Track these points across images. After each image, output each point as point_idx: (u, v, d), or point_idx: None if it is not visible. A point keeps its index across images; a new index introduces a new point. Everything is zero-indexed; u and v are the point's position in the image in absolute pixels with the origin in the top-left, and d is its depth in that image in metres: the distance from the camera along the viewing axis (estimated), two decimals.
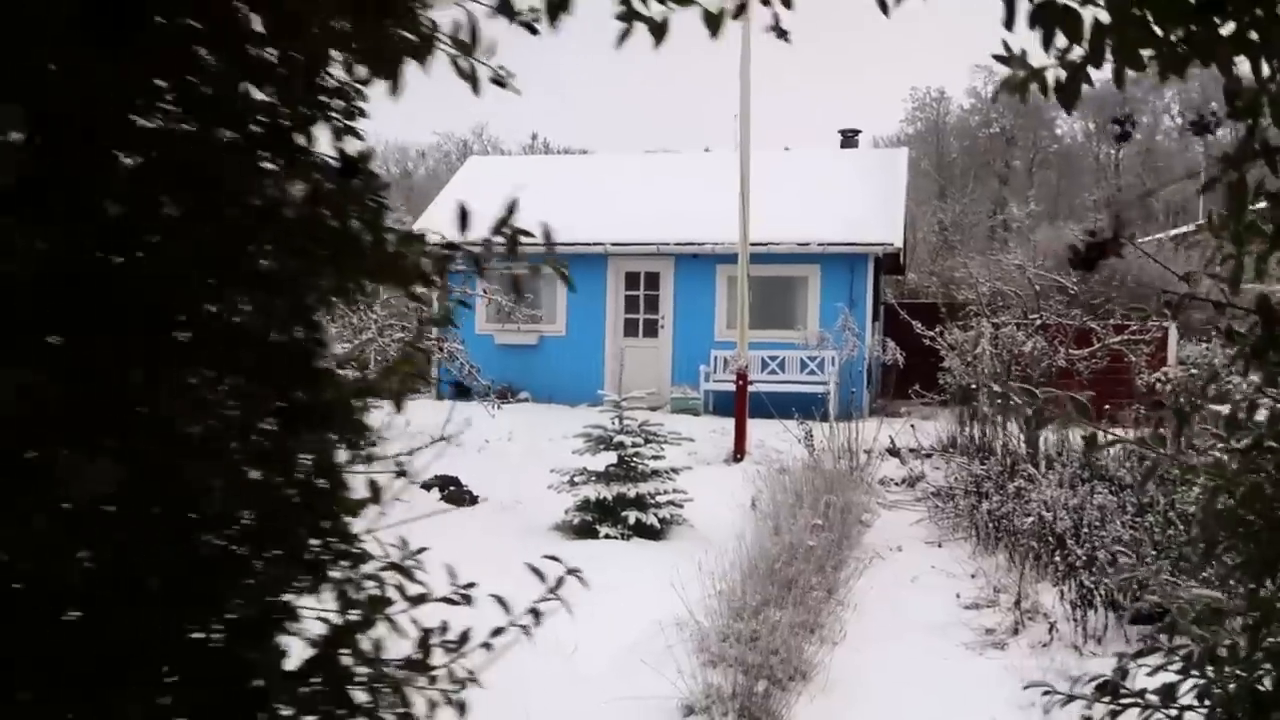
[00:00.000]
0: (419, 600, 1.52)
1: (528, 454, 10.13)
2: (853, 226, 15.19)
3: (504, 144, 43.31)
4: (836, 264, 15.28)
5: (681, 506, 7.61)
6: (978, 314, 11.73)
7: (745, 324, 12.04)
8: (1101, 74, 1.38)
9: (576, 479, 7.54)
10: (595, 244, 15.21)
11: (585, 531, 7.28)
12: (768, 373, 14.72)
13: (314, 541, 1.42)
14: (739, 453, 11.08)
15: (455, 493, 8.15)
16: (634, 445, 7.61)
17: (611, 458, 7.62)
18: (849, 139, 20.35)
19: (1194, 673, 1.66)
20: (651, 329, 16.22)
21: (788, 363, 14.98)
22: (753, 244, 12.68)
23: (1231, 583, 1.75)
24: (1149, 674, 1.76)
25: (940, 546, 7.41)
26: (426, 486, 7.83)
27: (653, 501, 7.43)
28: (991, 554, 6.80)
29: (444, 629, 1.52)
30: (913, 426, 10.92)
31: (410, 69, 1.45)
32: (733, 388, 11.83)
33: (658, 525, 7.32)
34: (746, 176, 11.61)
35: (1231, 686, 1.61)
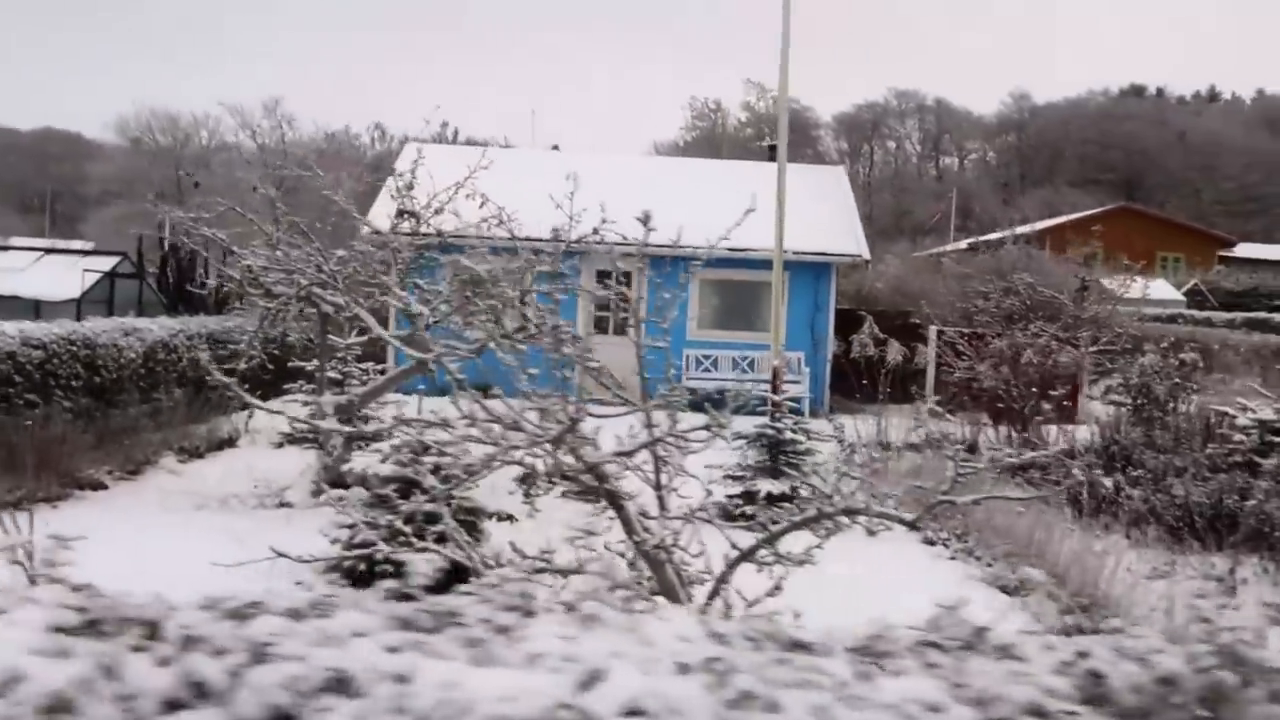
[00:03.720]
0: None
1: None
2: (820, 237, 15.86)
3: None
4: (803, 272, 15.93)
5: None
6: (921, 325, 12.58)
7: (780, 326, 12.55)
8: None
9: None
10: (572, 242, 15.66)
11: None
12: (738, 371, 15.33)
13: None
14: None
15: None
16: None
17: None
18: (774, 153, 21.22)
19: None
20: (621, 327, 16.72)
21: (758, 362, 15.59)
22: (729, 249, 13.29)
23: None
24: None
25: None
26: None
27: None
28: None
29: None
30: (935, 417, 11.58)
31: None
32: (707, 385, 12.42)
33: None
34: (783, 186, 12.18)
35: None
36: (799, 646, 1.71)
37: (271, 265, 8.92)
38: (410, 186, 8.91)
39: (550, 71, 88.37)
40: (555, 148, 34.09)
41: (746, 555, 4.58)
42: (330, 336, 11.20)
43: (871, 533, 4.68)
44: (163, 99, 72.64)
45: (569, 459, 4.54)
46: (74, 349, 10.52)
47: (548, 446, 4.64)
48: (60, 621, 1.59)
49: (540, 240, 9.00)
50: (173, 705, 1.36)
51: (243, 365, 9.51)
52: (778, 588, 4.11)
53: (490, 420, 4.42)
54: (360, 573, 6.35)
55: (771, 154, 21.22)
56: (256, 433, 12.24)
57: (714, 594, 4.62)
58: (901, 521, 4.18)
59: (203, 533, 8.02)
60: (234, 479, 9.98)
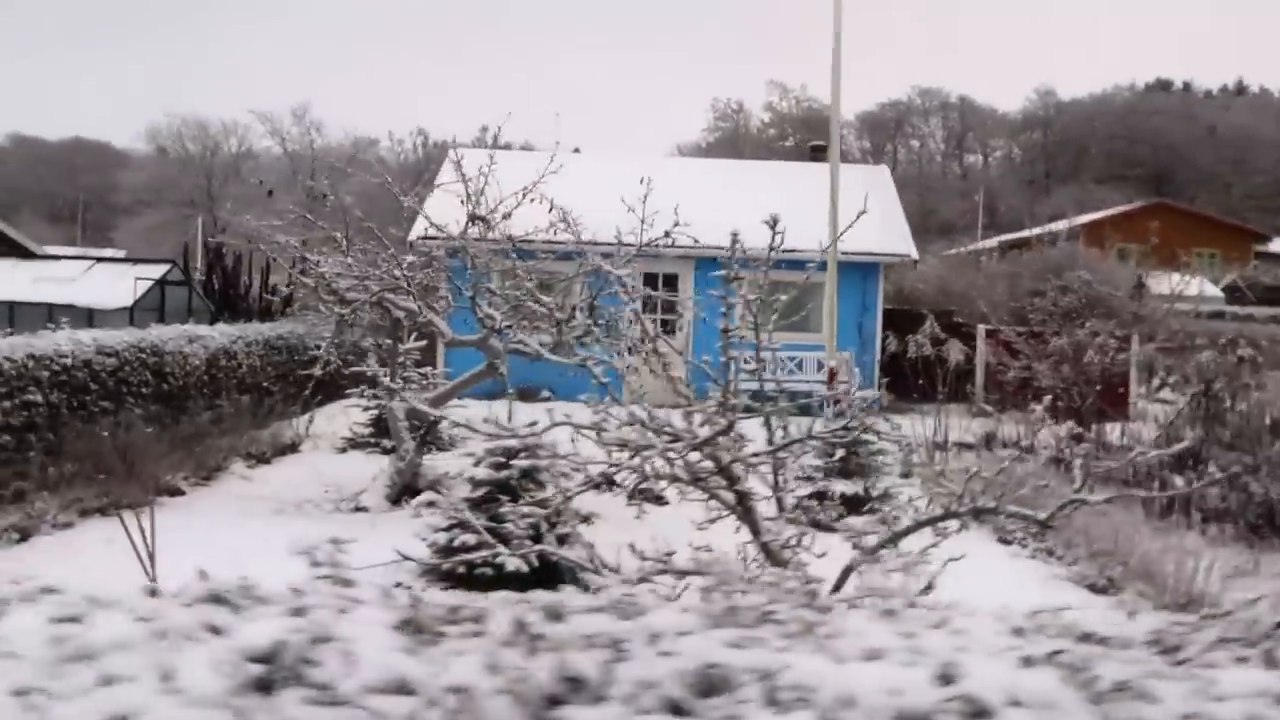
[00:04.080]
0: None
1: None
2: (868, 237, 15.83)
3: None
4: (851, 272, 15.93)
5: None
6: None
7: (834, 328, 12.57)
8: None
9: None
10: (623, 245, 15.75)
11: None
12: (786, 372, 15.34)
13: None
14: None
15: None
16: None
17: None
18: (817, 153, 21.16)
19: None
20: (668, 330, 16.77)
21: (805, 363, 15.59)
22: (784, 250, 13.37)
23: None
24: None
25: None
26: None
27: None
28: None
29: None
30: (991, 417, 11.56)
31: None
32: (757, 386, 12.43)
33: None
34: (836, 186, 12.19)
35: None
36: (1093, 639, 1.73)
37: (345, 271, 9.01)
38: (481, 192, 8.98)
39: (565, 74, 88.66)
40: (576, 150, 34.22)
41: (871, 554, 4.60)
42: (387, 340, 11.32)
43: (943, 533, 4.68)
44: (192, 107, 73.32)
45: (706, 462, 4.57)
46: (143, 356, 10.66)
47: (675, 450, 4.66)
48: (397, 620, 1.64)
49: (610, 244, 9.05)
50: (553, 700, 1.40)
51: (318, 371, 9.60)
52: (930, 587, 4.12)
53: (642, 425, 4.44)
54: (460, 575, 6.40)
55: (814, 154, 21.23)
56: (318, 438, 12.36)
57: (835, 591, 4.64)
58: (1035, 521, 4.19)
59: (284, 536, 8.12)
60: (303, 484, 10.08)
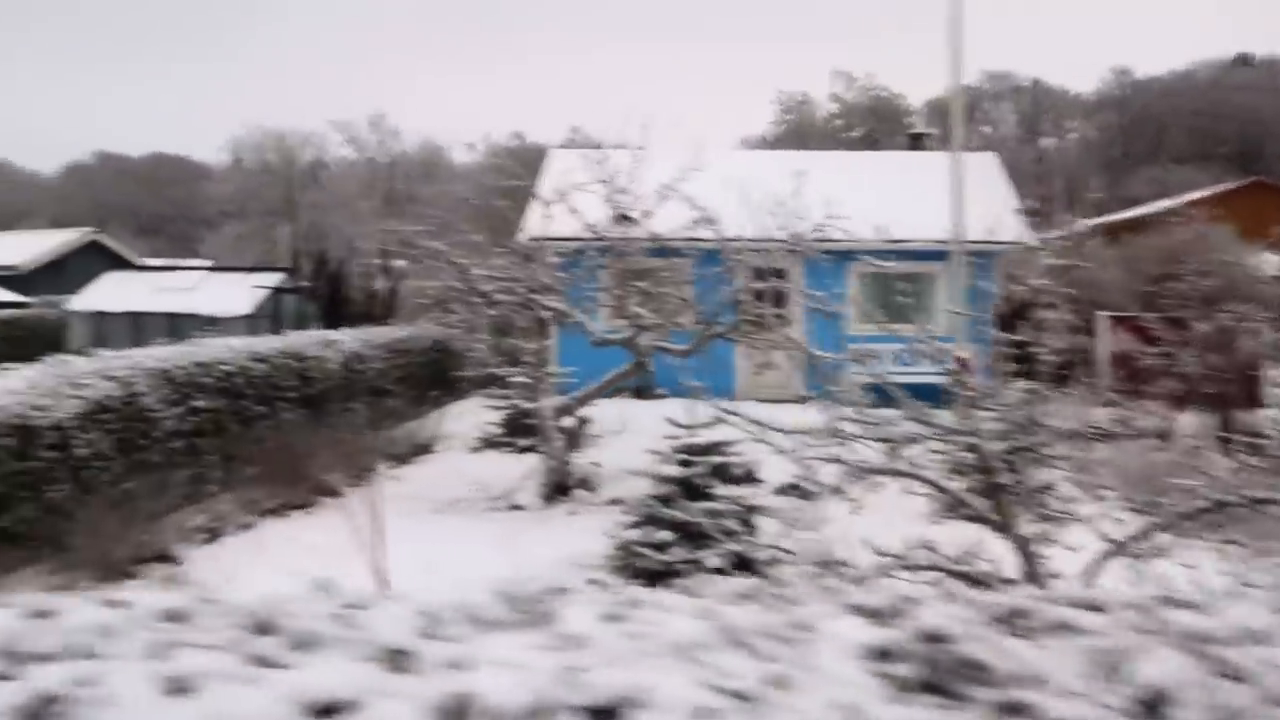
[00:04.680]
0: None
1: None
2: (982, 225, 15.58)
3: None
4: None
5: None
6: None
7: (956, 316, 12.42)
8: None
9: None
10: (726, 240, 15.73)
11: None
12: (900, 366, 15.18)
13: None
14: None
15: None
16: None
17: None
18: (916, 141, 20.83)
19: None
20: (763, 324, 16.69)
21: (921, 355, 15.39)
22: (888, 240, 13.26)
23: None
24: None
25: None
26: None
27: None
28: None
29: None
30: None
31: None
32: (875, 379, 12.35)
33: None
34: (959, 174, 12.05)
35: None
36: None
37: (494, 274, 9.15)
38: (623, 191, 9.03)
39: (619, 72, 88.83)
40: (640, 149, 34.22)
41: (1120, 548, 4.53)
42: (510, 341, 11.46)
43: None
44: (271, 119, 75.30)
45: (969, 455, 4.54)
46: (289, 362, 10.95)
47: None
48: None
49: (752, 241, 9.06)
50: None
51: (471, 372, 9.75)
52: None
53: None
54: (653, 571, 6.46)
55: (913, 143, 20.93)
56: (450, 438, 12.58)
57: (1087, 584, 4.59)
58: None
59: (456, 534, 8.28)
60: (449, 483, 10.26)
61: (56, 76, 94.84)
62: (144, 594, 1.79)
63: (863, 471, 5.12)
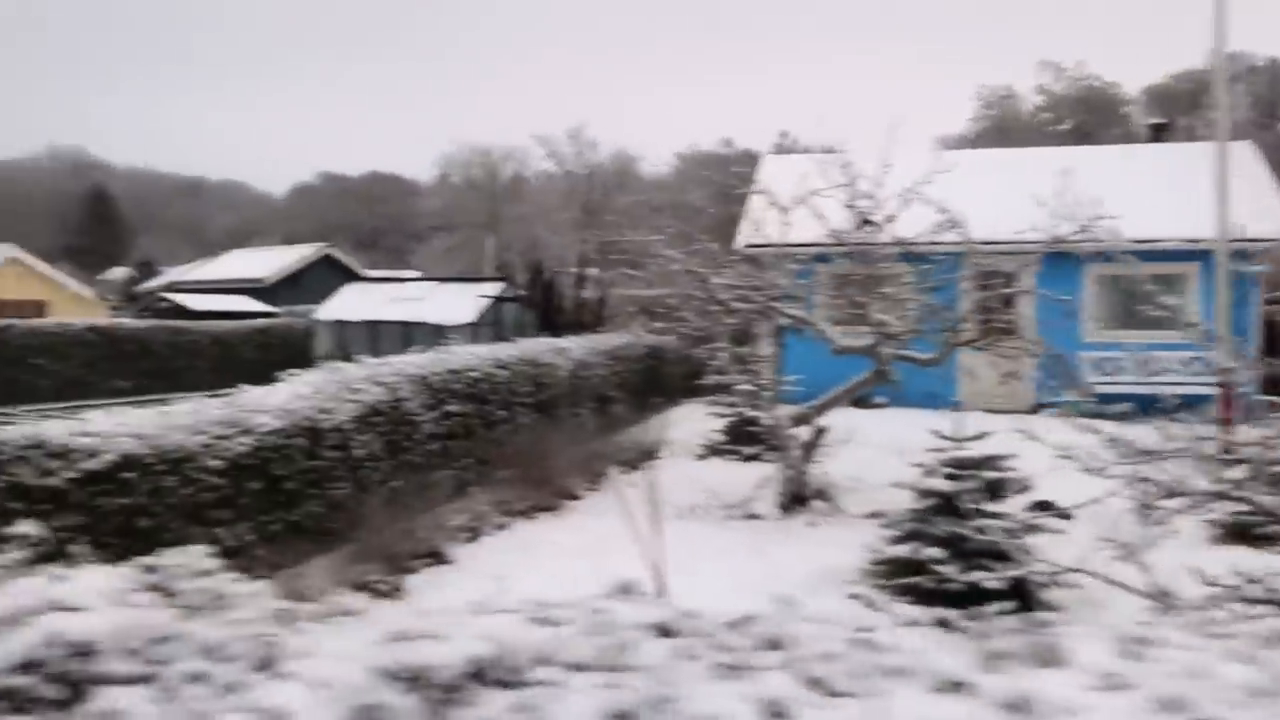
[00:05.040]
0: None
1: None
2: (1242, 221, 14.25)
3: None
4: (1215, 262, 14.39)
5: None
6: None
7: (1221, 321, 11.49)
8: None
9: None
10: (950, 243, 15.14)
11: None
12: (1144, 375, 14.08)
13: None
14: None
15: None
16: None
17: None
18: (1159, 132, 19.24)
19: None
20: (1005, 332, 15.87)
21: (1166, 364, 14.24)
22: (1133, 240, 12.31)
23: None
24: None
25: None
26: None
27: None
28: None
29: None
30: None
31: None
32: (1113, 390, 11.47)
33: None
34: (1225, 168, 11.15)
35: None
36: None
37: (733, 282, 9.16)
38: (869, 196, 8.82)
39: (806, 76, 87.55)
40: (833, 150, 33.48)
41: None
42: (739, 349, 11.43)
43: None
44: (476, 136, 79.57)
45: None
46: (526, 368, 11.40)
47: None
48: None
49: (1007, 243, 8.63)
50: None
51: (711, 380, 9.82)
52: None
53: None
54: (924, 590, 6.23)
55: (1155, 134, 19.48)
56: (673, 444, 12.72)
57: None
58: None
59: (703, 541, 8.31)
60: (680, 490, 10.34)
61: (286, 108, 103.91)
62: (622, 606, 1.83)
63: (1179, 492, 4.73)
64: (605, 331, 17.96)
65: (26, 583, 2.07)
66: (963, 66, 79.44)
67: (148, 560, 2.32)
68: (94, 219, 63.57)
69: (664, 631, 1.72)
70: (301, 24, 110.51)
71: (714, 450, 12.07)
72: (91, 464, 5.78)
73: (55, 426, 5.97)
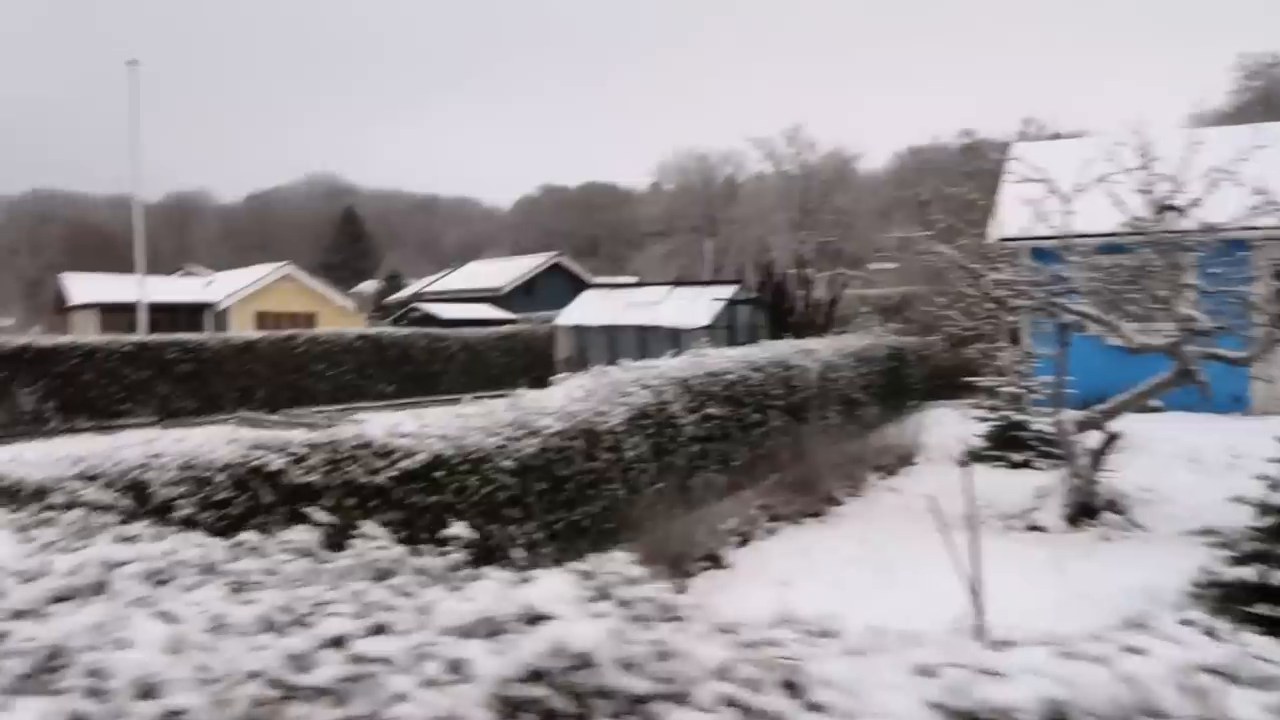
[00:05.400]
0: None
1: None
2: None
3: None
4: None
5: None
6: None
7: None
8: None
9: None
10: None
11: None
12: None
13: None
14: None
15: None
16: None
17: None
18: None
19: None
20: None
21: None
22: None
23: None
24: None
25: None
26: None
27: None
28: None
29: None
30: None
31: None
32: None
33: None
34: None
35: None
36: None
37: (1012, 278, 8.59)
38: (1169, 178, 8.01)
39: (1047, 60, 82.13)
40: (1056, 136, 30.91)
41: None
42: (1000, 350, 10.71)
43: None
44: (691, 141, 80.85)
45: None
46: (777, 370, 11.24)
47: None
48: None
49: None
50: None
51: (987, 383, 9.28)
52: None
53: None
54: (1274, 619, 5.53)
55: None
56: (929, 448, 12.18)
57: None
58: None
59: (991, 555, 7.84)
60: (944, 497, 9.82)
61: (510, 125, 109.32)
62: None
63: None
64: (836, 333, 17.51)
65: (491, 586, 2.10)
66: (1210, 34, 72.12)
67: (582, 566, 2.32)
68: (345, 237, 69.56)
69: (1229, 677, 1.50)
70: (527, 49, 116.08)
71: (976, 456, 11.42)
72: (408, 463, 6.15)
73: (373, 428, 6.40)
